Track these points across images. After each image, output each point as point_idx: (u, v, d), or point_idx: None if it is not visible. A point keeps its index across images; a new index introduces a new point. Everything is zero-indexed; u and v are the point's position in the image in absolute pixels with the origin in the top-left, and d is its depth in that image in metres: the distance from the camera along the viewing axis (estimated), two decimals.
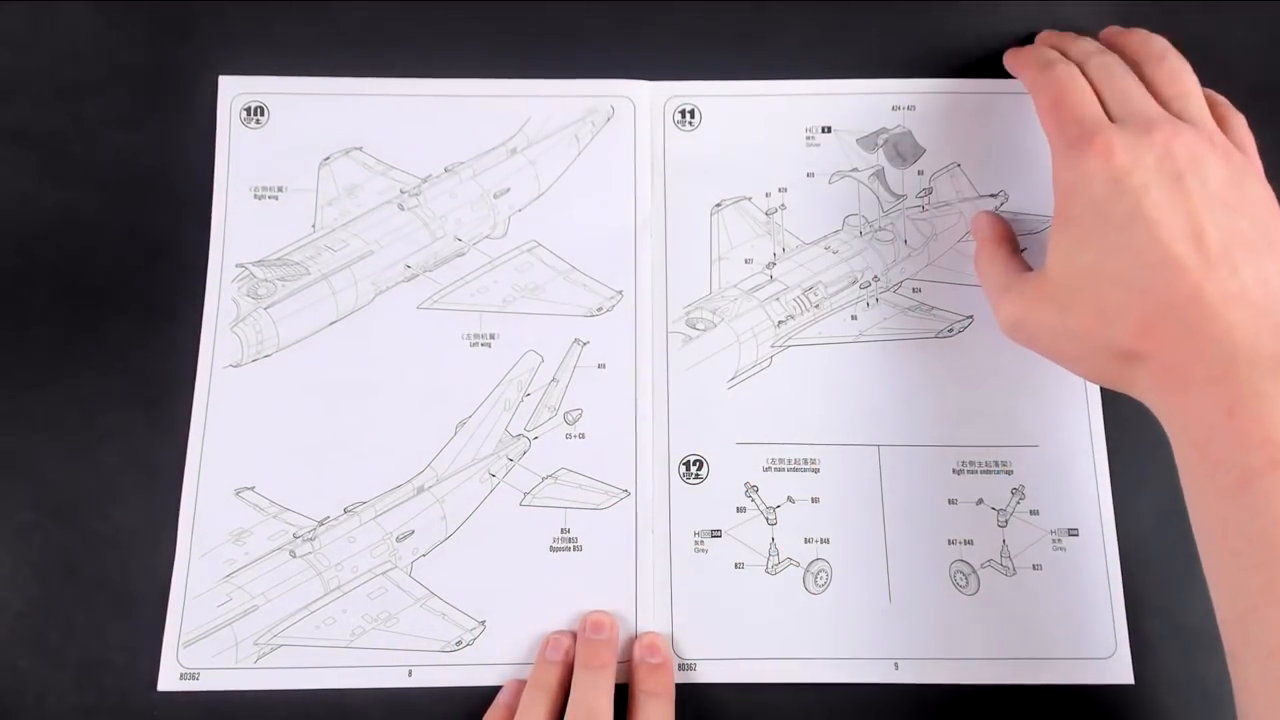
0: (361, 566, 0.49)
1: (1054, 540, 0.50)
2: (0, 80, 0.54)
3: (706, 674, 0.48)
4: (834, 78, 0.55)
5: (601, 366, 0.52)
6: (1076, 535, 0.50)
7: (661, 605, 0.49)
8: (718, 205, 0.54)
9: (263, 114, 0.54)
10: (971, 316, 0.52)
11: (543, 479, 0.50)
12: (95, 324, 0.51)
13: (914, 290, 0.53)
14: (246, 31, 0.55)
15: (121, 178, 0.53)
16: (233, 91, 0.54)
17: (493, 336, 0.52)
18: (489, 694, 0.48)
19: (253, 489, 0.50)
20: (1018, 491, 0.51)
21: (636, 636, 0.49)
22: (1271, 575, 0.37)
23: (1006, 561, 0.50)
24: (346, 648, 0.48)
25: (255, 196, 0.53)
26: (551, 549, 0.50)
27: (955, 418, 0.52)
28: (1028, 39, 0.56)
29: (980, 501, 0.51)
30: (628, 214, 0.53)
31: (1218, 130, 0.45)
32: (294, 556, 0.49)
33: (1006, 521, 0.50)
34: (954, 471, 0.51)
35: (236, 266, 0.52)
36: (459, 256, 0.53)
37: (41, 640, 0.48)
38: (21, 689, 0.48)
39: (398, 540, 0.49)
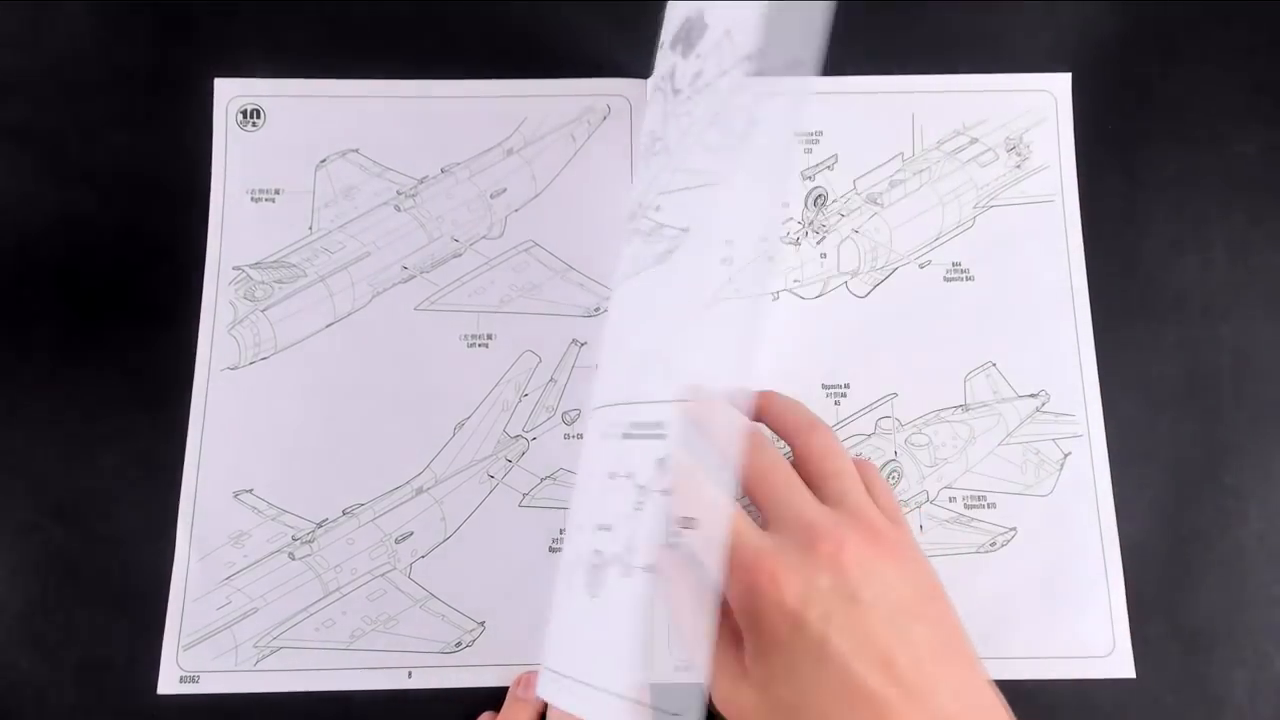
0: (361, 568, 0.49)
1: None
2: (0, 80, 0.54)
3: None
4: (831, 75, 0.55)
5: (599, 367, 0.52)
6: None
7: None
8: None
9: (259, 116, 0.54)
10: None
11: (541, 480, 0.50)
12: (94, 325, 0.52)
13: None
14: (245, 34, 0.55)
15: (120, 179, 0.53)
16: (229, 94, 0.54)
17: (490, 337, 0.52)
18: (489, 695, 0.48)
19: (251, 491, 0.50)
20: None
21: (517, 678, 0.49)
22: None
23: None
24: (346, 649, 0.48)
25: (252, 199, 0.53)
26: (551, 550, 0.50)
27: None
28: (1028, 38, 0.56)
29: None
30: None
31: (874, 510, 0.42)
32: (293, 559, 0.49)
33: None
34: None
35: (234, 269, 0.52)
36: (456, 257, 0.53)
37: (41, 640, 0.48)
38: (21, 689, 0.48)
39: (397, 542, 0.49)
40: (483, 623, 0.49)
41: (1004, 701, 0.39)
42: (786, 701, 0.39)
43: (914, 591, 0.40)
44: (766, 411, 0.46)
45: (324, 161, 0.54)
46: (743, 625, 0.40)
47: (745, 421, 0.42)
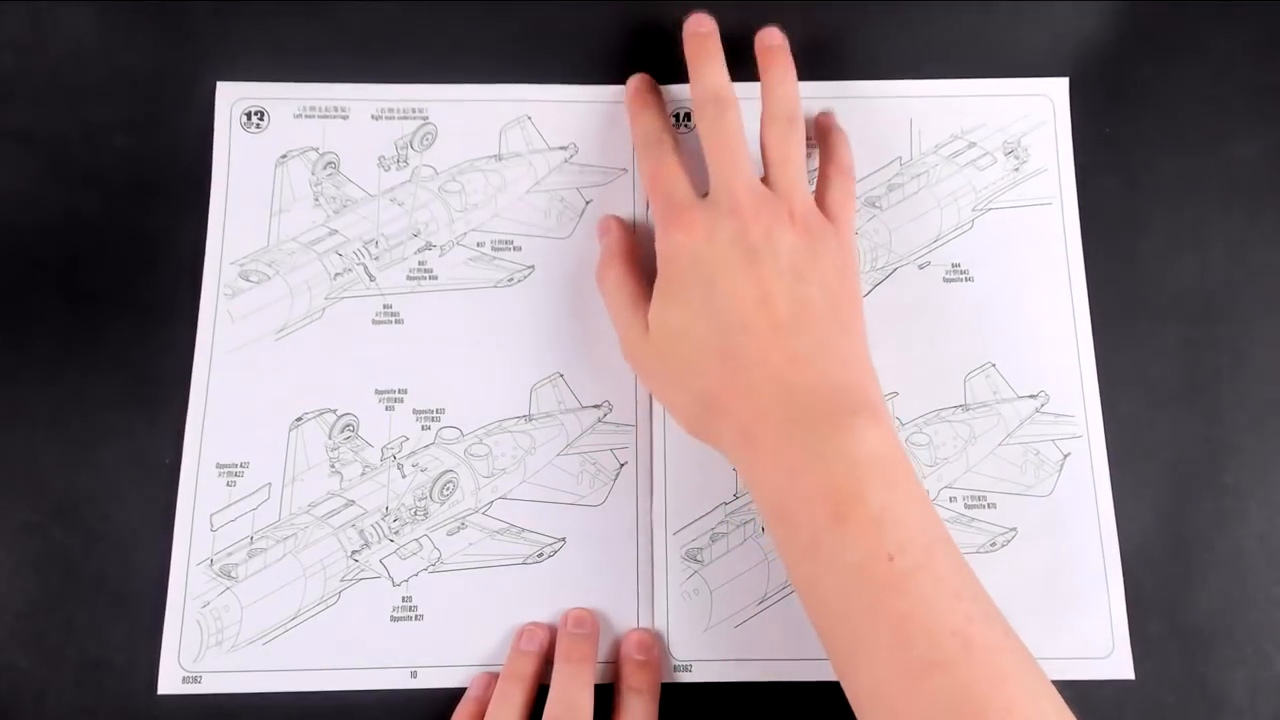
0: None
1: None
2: (2, 83, 0.54)
3: (703, 674, 0.48)
4: (829, 80, 0.55)
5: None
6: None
7: (660, 605, 0.49)
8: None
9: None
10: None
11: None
12: (95, 325, 0.52)
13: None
14: (248, 36, 0.55)
15: (122, 181, 0.53)
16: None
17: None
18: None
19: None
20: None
21: (627, 634, 0.49)
22: (856, 626, 0.39)
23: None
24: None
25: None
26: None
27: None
28: (1025, 43, 0.56)
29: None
30: (626, 215, 0.53)
31: (804, 200, 0.47)
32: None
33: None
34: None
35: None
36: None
37: (41, 640, 0.48)
38: (21, 689, 0.48)
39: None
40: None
41: (875, 374, 0.46)
42: (675, 326, 0.46)
43: (813, 260, 0.46)
44: (765, 73, 0.50)
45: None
46: (659, 266, 0.47)
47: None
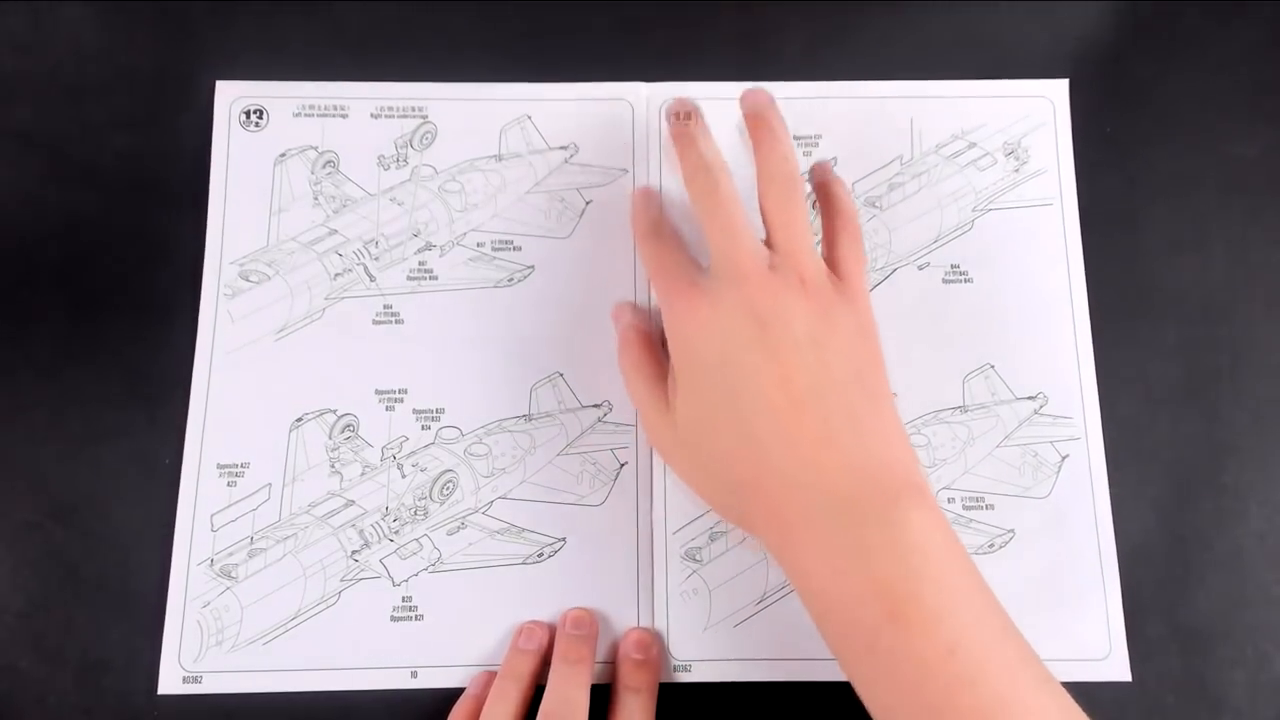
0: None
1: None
2: (2, 82, 0.54)
3: (701, 674, 0.49)
4: (830, 80, 0.55)
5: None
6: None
7: (659, 604, 0.49)
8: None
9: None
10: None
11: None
12: (95, 325, 0.52)
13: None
14: (247, 35, 0.55)
15: (122, 180, 0.53)
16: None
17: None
18: None
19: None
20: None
21: (627, 632, 0.49)
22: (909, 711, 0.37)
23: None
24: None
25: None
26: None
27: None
28: (1025, 44, 0.56)
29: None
30: (626, 215, 0.53)
31: (813, 263, 0.45)
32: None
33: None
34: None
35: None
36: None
37: (41, 640, 0.48)
38: (21, 689, 0.48)
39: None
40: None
41: (909, 442, 0.43)
42: (695, 415, 0.44)
43: (828, 326, 0.43)
44: (756, 137, 0.48)
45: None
46: (673, 356, 0.46)
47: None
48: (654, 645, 0.48)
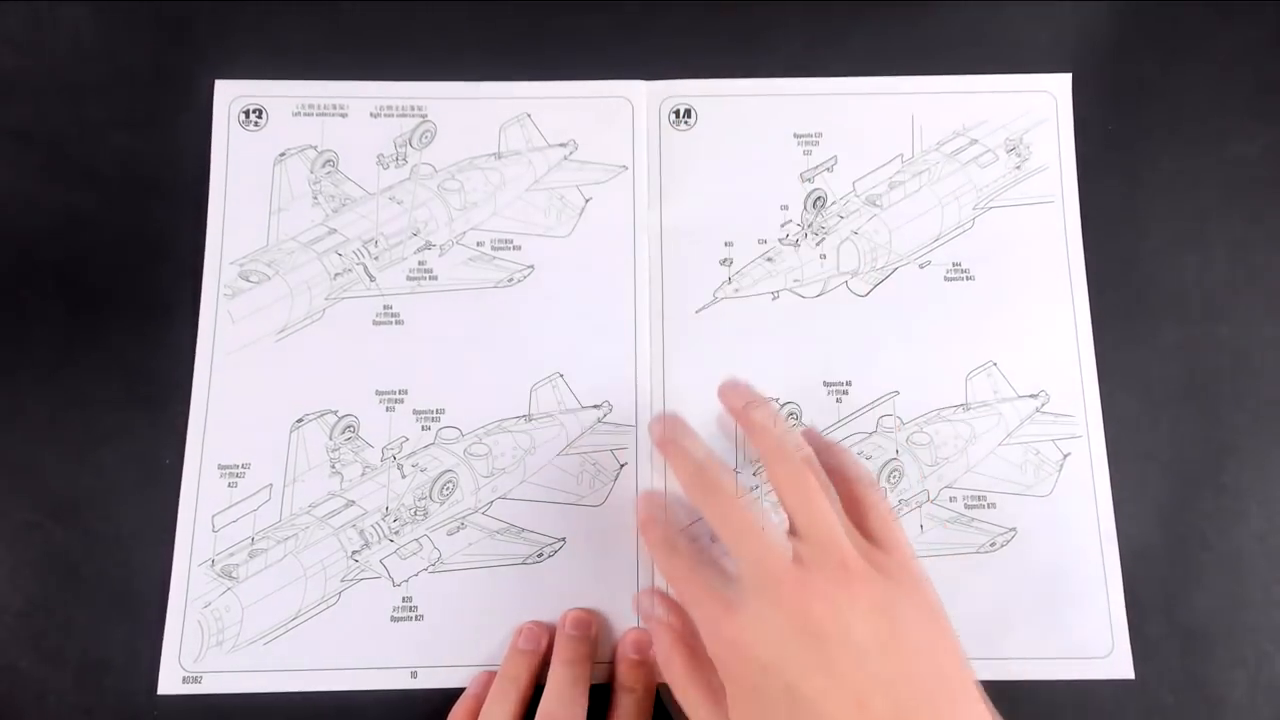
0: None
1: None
2: (2, 82, 0.54)
3: None
4: (830, 77, 0.55)
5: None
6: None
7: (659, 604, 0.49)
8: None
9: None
10: None
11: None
12: (95, 324, 0.52)
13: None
14: (246, 34, 0.55)
15: (121, 179, 0.53)
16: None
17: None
18: None
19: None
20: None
21: (624, 634, 0.49)
22: None
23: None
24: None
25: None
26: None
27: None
28: (1027, 39, 0.56)
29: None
30: (626, 213, 0.53)
31: (849, 545, 0.40)
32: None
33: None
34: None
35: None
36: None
37: (41, 640, 0.48)
38: (21, 689, 0.48)
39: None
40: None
41: None
42: None
43: (892, 626, 0.38)
44: (747, 429, 0.46)
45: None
46: (721, 676, 0.40)
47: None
48: (651, 646, 0.48)
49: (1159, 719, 0.49)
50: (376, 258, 0.52)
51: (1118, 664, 0.49)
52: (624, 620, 0.49)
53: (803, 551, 0.40)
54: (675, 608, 0.46)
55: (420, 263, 0.52)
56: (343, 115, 0.54)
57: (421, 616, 0.49)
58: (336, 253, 0.52)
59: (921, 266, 0.53)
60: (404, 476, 0.50)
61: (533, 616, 0.49)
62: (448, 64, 0.55)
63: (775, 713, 0.38)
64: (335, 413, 0.51)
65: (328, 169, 0.53)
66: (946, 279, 0.53)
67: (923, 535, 0.50)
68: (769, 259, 0.53)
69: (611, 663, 0.48)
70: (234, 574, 0.49)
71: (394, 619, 0.49)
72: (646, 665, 0.48)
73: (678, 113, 0.55)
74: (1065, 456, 0.51)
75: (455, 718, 0.46)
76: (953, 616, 0.47)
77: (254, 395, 0.51)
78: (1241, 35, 0.56)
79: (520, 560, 0.49)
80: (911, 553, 0.42)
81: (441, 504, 0.50)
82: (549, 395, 0.51)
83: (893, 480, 0.51)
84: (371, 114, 0.54)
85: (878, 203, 0.54)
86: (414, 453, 0.50)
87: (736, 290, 0.53)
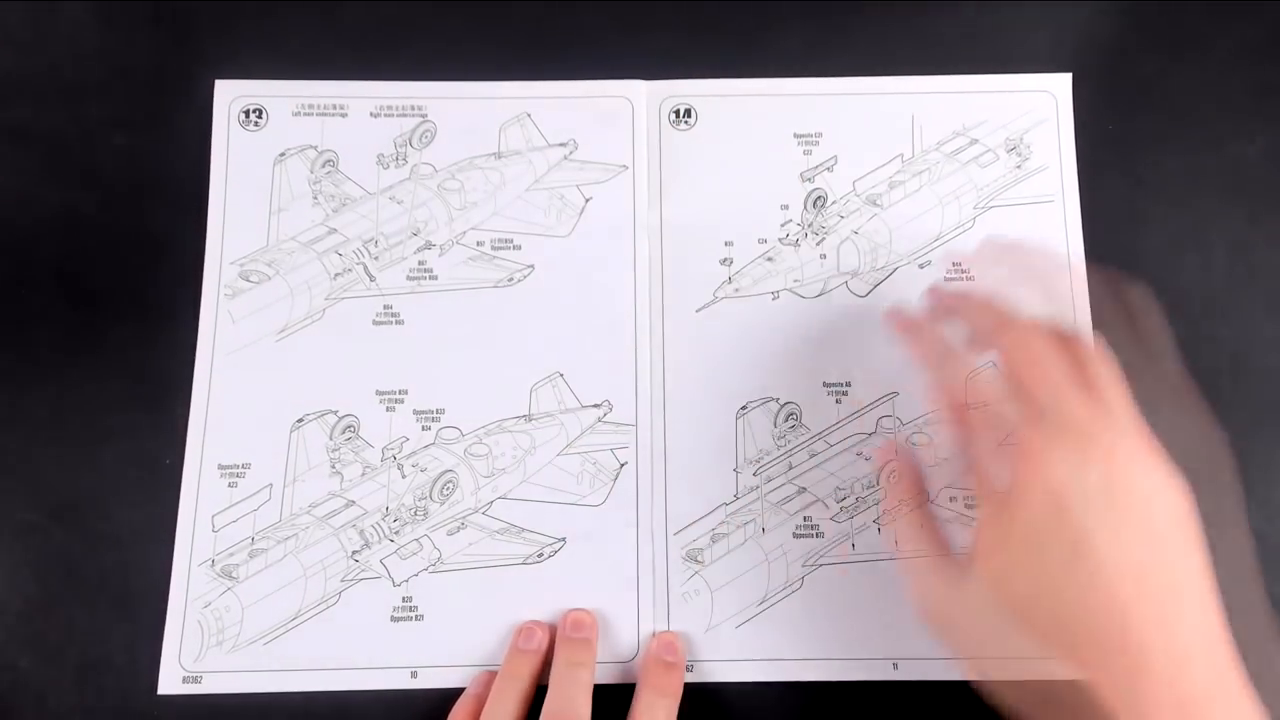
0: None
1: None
2: (2, 81, 0.54)
3: (704, 674, 0.49)
4: (831, 76, 0.55)
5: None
6: None
7: (660, 605, 0.49)
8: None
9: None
10: None
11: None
12: (95, 325, 0.52)
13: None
14: (246, 34, 0.55)
15: (121, 179, 0.53)
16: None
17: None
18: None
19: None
20: None
21: (655, 634, 0.49)
22: None
23: None
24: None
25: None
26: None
27: None
28: (1028, 39, 0.56)
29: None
30: (626, 213, 0.53)
31: (1143, 423, 0.41)
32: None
33: None
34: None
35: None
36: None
37: (41, 640, 0.48)
38: (21, 689, 0.48)
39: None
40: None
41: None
42: (1021, 594, 0.39)
43: (1171, 515, 0.39)
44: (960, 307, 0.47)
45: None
46: (992, 512, 0.40)
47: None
48: (681, 648, 0.48)
49: None
50: (376, 258, 0.52)
51: None
52: (625, 620, 0.49)
53: (1109, 420, 0.40)
54: (918, 474, 0.49)
55: (420, 263, 0.53)
56: (343, 115, 0.54)
57: (421, 616, 0.49)
58: (336, 253, 0.52)
59: (921, 267, 0.53)
60: (404, 476, 0.50)
61: (533, 616, 0.49)
62: (448, 64, 0.55)
63: (1052, 556, 0.38)
64: (335, 413, 0.51)
65: (328, 169, 0.53)
66: (946, 279, 0.53)
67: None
68: (769, 259, 0.53)
69: (610, 663, 0.48)
70: (234, 574, 0.49)
71: (394, 619, 0.49)
72: (678, 668, 0.48)
73: (678, 113, 0.55)
74: None
75: (455, 717, 0.46)
76: None
77: (254, 395, 0.51)
78: (1241, 35, 0.56)
79: (520, 560, 0.49)
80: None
81: (442, 504, 0.50)
82: (549, 395, 0.51)
83: (892, 479, 0.51)
84: (371, 114, 0.54)
85: (878, 202, 0.54)
86: (414, 453, 0.50)
87: (737, 290, 0.53)
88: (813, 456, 0.51)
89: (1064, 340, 0.42)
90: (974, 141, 0.55)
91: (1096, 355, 0.42)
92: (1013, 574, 0.39)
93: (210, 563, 0.49)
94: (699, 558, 0.50)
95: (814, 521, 0.50)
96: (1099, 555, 0.37)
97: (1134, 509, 0.38)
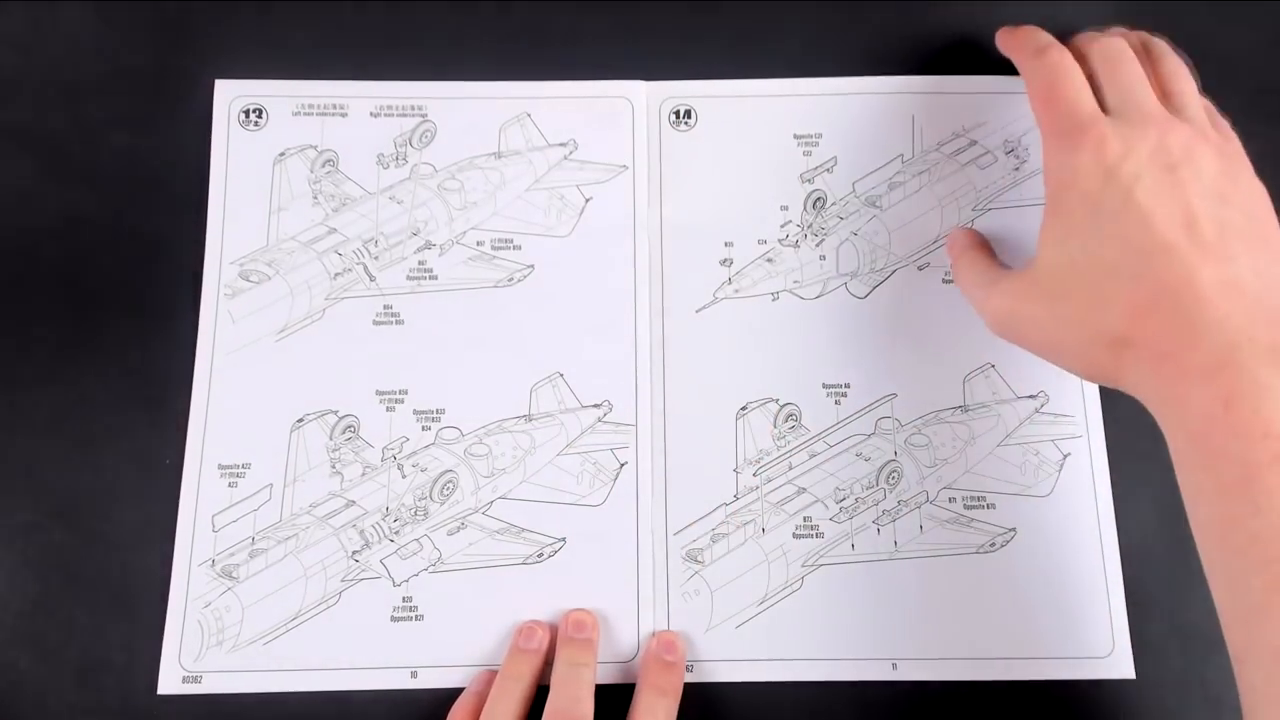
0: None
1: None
2: (1, 82, 0.54)
3: (704, 674, 0.49)
4: (830, 77, 0.55)
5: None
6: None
7: (660, 605, 0.49)
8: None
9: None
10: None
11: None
12: (95, 324, 0.52)
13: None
14: (246, 34, 0.55)
15: (121, 179, 0.53)
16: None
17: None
18: None
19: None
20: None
21: (655, 634, 0.49)
22: (1277, 573, 0.36)
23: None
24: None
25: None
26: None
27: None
28: None
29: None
30: (626, 213, 0.53)
31: (1211, 128, 0.45)
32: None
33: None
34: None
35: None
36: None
37: (41, 640, 0.48)
38: (21, 689, 0.48)
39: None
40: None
41: None
42: (1077, 256, 0.43)
43: (1234, 185, 0.43)
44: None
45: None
46: (1049, 182, 0.45)
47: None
48: (682, 647, 0.48)
49: (1159, 719, 0.49)
50: (376, 257, 0.52)
51: (1118, 664, 0.49)
52: (625, 620, 0.49)
53: (1173, 114, 0.44)
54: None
55: (420, 262, 0.53)
56: (343, 115, 0.54)
57: (421, 616, 0.49)
58: (336, 252, 0.52)
59: (920, 269, 0.53)
60: (404, 476, 0.50)
61: (533, 616, 0.49)
62: (448, 64, 0.55)
63: (1100, 221, 0.42)
64: (335, 413, 0.51)
65: (328, 169, 0.53)
66: (945, 281, 0.53)
67: (922, 535, 0.50)
68: (769, 259, 0.53)
69: (610, 663, 0.48)
70: (234, 574, 0.49)
71: (394, 619, 0.49)
72: (679, 667, 0.48)
73: (678, 113, 0.55)
74: (1065, 457, 0.51)
75: (456, 717, 0.46)
76: (953, 616, 0.48)
77: (254, 395, 0.51)
78: (1241, 35, 0.56)
79: (520, 560, 0.49)
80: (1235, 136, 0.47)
81: (442, 504, 0.50)
82: (549, 395, 0.51)
83: (891, 481, 0.51)
84: (371, 114, 0.54)
85: (877, 203, 0.54)
86: (414, 453, 0.50)
87: (736, 290, 0.53)
88: (812, 457, 0.51)
89: (1149, 52, 0.48)
90: (973, 143, 0.55)
91: (1179, 70, 0.47)
92: (1067, 241, 0.43)
93: (210, 563, 0.49)
94: (699, 558, 0.50)
95: (814, 522, 0.50)
96: (1146, 207, 0.41)
97: (1184, 170, 0.42)
